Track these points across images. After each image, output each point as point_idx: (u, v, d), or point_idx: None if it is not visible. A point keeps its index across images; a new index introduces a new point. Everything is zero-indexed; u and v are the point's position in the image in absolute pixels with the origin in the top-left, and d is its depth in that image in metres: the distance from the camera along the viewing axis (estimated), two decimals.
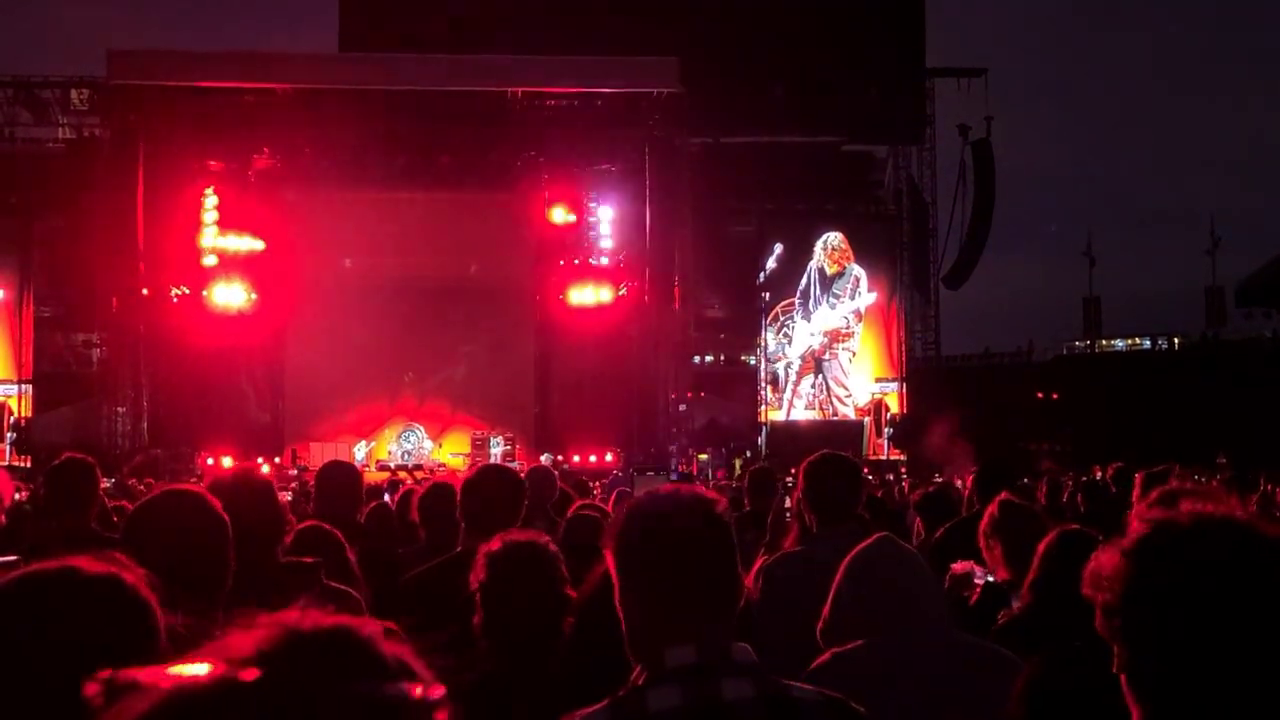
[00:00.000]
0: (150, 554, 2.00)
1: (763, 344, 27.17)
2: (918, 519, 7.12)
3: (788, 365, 27.16)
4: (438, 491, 5.09)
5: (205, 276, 25.74)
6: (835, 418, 26.96)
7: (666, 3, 27.76)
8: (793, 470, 7.21)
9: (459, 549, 4.21)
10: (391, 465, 24.15)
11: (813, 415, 27.05)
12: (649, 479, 12.18)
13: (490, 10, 27.52)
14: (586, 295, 26.97)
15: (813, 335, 27.06)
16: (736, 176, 27.74)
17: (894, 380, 27.48)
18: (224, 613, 2.43)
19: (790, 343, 27.13)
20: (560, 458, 24.31)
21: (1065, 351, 45.74)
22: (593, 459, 24.77)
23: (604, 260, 27.08)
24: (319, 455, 21.52)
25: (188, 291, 25.49)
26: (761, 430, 26.83)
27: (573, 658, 2.96)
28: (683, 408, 25.39)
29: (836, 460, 4.48)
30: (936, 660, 2.89)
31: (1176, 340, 44.35)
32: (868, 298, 27.19)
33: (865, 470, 7.31)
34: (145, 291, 24.28)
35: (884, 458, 26.18)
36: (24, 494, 9.29)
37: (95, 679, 0.82)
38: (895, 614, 2.92)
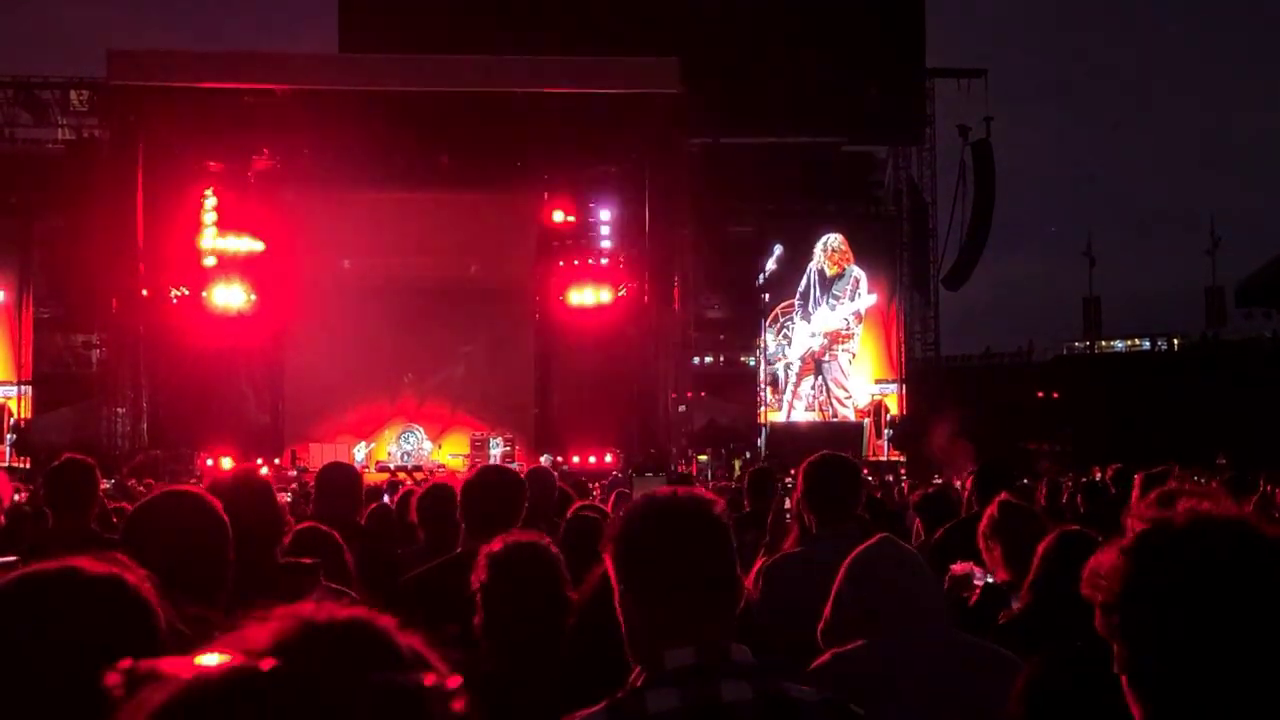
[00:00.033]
0: (150, 554, 2.00)
1: (762, 345, 27.16)
2: (917, 519, 7.12)
3: (787, 366, 27.15)
4: (436, 492, 5.09)
5: (205, 277, 25.74)
6: (835, 419, 26.95)
7: (666, 3, 27.75)
8: (792, 471, 7.20)
9: (460, 550, 4.21)
10: (391, 466, 24.15)
11: (813, 417, 27.04)
12: (647, 480, 12.18)
13: (490, 11, 27.51)
14: (586, 296, 26.98)
15: (813, 336, 27.06)
16: (736, 177, 27.71)
17: (894, 381, 27.47)
18: (224, 613, 2.43)
19: (790, 344, 27.12)
20: (560, 458, 24.30)
21: (1065, 352, 45.73)
22: (592, 460, 24.78)
23: (604, 261, 27.09)
24: (319, 456, 21.53)
25: (187, 292, 25.49)
26: (761, 431, 26.82)
27: (573, 659, 2.96)
28: (682, 408, 25.38)
29: (836, 461, 4.48)
30: (936, 660, 2.89)
31: (1176, 341, 44.35)
32: (868, 299, 27.18)
33: (865, 471, 7.32)
34: (145, 292, 24.27)
35: (884, 459, 26.17)
36: (23, 495, 9.30)
37: (116, 669, 0.83)
38: (896, 614, 2.92)
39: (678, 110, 23.78)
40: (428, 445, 25.88)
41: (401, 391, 26.99)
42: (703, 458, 24.92)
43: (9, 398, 24.24)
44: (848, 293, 27.13)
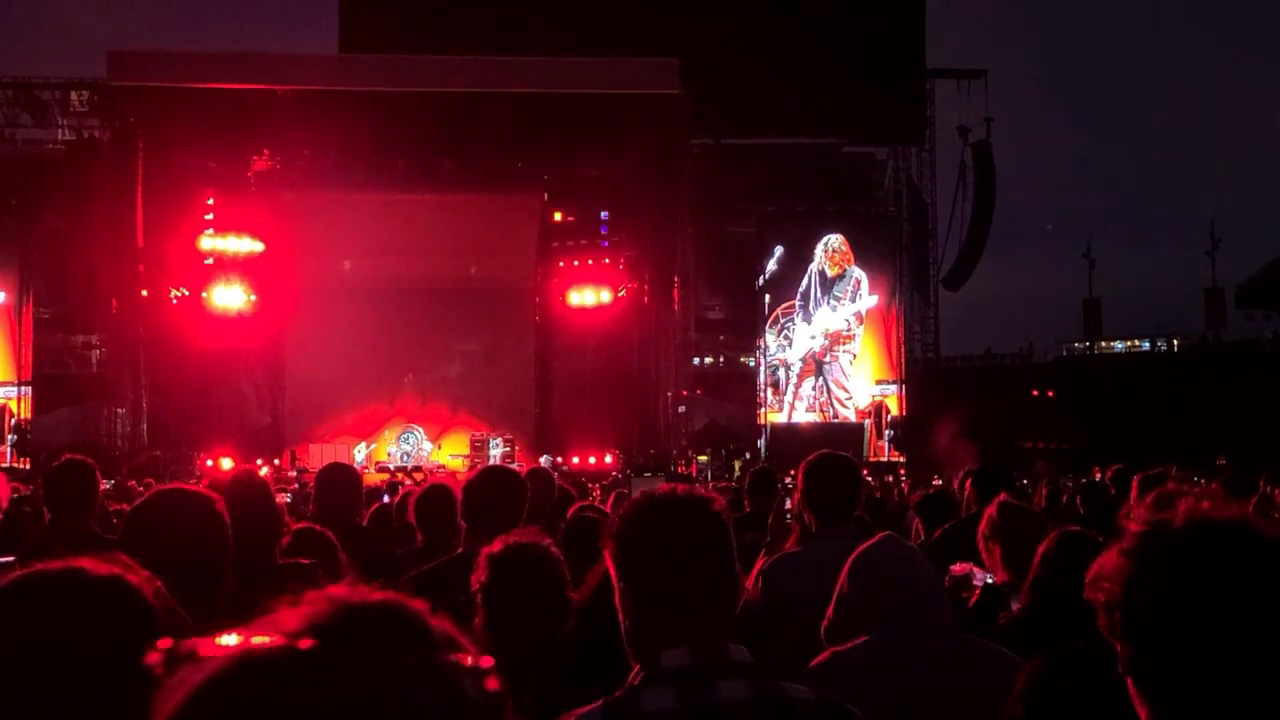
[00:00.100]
0: (149, 553, 2.00)
1: (763, 346, 27.16)
2: (917, 519, 7.12)
3: (788, 367, 27.14)
4: (434, 493, 5.08)
5: (205, 278, 25.76)
6: (836, 420, 26.95)
7: (667, 4, 27.76)
8: (792, 472, 7.21)
9: (460, 550, 4.21)
10: (391, 467, 24.15)
11: (813, 417, 27.04)
12: (646, 481, 12.17)
13: (490, 12, 27.53)
14: (586, 297, 26.99)
15: (813, 337, 27.05)
16: (737, 178, 27.76)
17: (894, 382, 27.47)
18: (223, 613, 2.43)
19: (791, 345, 27.11)
20: (560, 459, 24.31)
21: (1065, 353, 45.73)
22: (592, 460, 24.78)
23: (604, 261, 27.10)
24: (318, 457, 21.54)
25: (187, 293, 25.50)
26: (762, 432, 26.82)
27: (573, 659, 2.96)
28: (682, 409, 25.37)
29: (836, 460, 4.47)
30: (936, 659, 2.89)
31: (1176, 342, 44.34)
32: (869, 300, 27.18)
33: (865, 472, 7.31)
34: (145, 293, 24.27)
35: (884, 459, 26.17)
36: (27, 490, 9.30)
37: (156, 649, 0.84)
38: (899, 610, 2.92)
39: (678, 111, 23.78)
40: (427, 446, 25.89)
41: (401, 392, 27.00)
42: (703, 458, 24.91)
43: (9, 398, 24.23)
44: (849, 293, 27.12)
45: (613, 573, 2.12)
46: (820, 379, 27.08)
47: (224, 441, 23.57)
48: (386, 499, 8.29)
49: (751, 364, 28.74)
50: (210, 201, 25.56)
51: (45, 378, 25.52)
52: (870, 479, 17.53)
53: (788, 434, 26.18)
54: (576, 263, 27.16)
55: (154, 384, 24.57)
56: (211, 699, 0.79)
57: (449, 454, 25.54)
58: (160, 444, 23.92)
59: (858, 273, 27.21)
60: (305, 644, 0.80)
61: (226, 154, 25.19)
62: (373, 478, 17.91)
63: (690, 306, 26.16)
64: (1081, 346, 46.88)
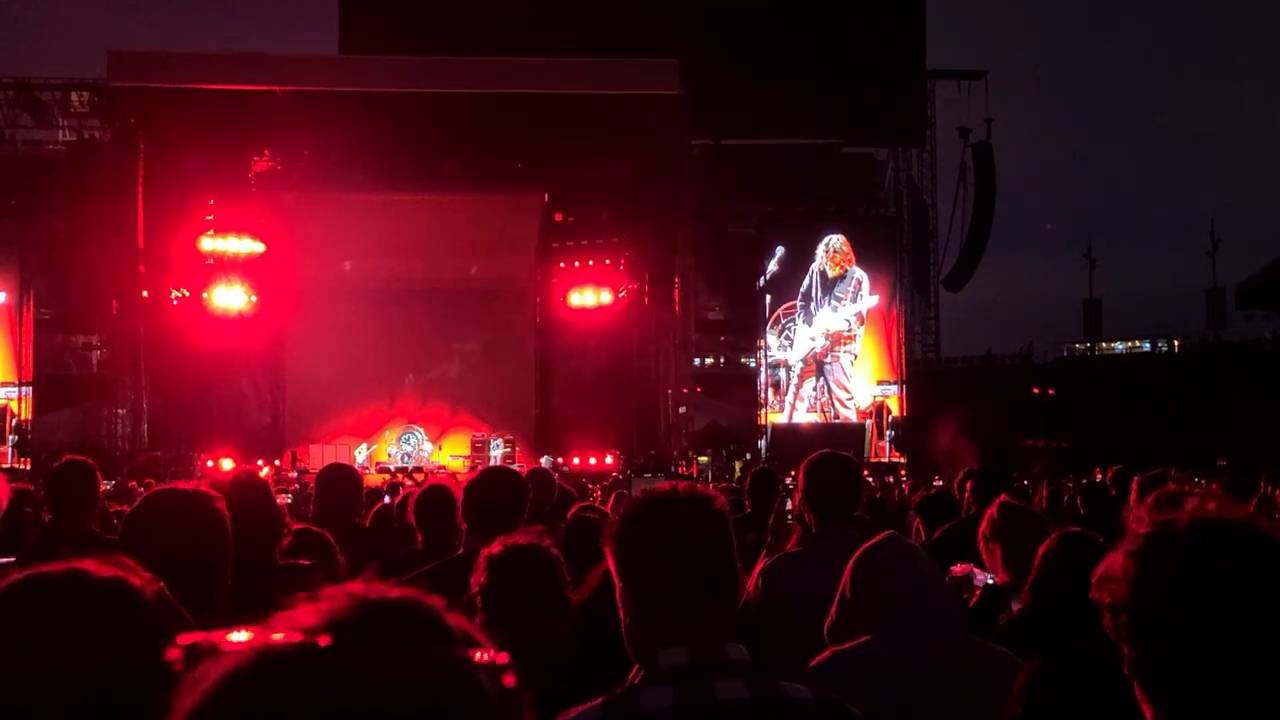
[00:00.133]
0: (149, 553, 2.00)
1: (764, 346, 27.15)
2: (917, 520, 7.13)
3: (789, 368, 27.13)
4: (433, 494, 5.07)
5: (205, 279, 25.75)
6: (836, 420, 26.94)
7: (667, 5, 27.76)
8: (793, 472, 7.21)
9: (461, 551, 4.20)
10: (391, 468, 24.15)
11: (814, 418, 27.03)
12: (646, 482, 12.17)
13: (490, 12, 27.52)
14: (587, 297, 26.99)
15: (813, 338, 27.04)
16: (737, 178, 27.74)
17: (895, 383, 27.46)
18: (223, 613, 2.42)
19: (791, 345, 27.10)
20: (560, 460, 24.30)
21: (1066, 353, 45.75)
22: (593, 461, 24.78)
23: (605, 262, 27.09)
24: (319, 457, 21.54)
25: (188, 294, 25.50)
26: (762, 433, 26.81)
27: (574, 659, 2.96)
28: (683, 410, 25.37)
29: (837, 459, 4.47)
30: (936, 659, 2.89)
31: (1177, 342, 44.35)
32: (870, 300, 27.16)
33: (865, 472, 7.31)
34: (145, 294, 24.27)
35: (885, 460, 26.17)
36: (28, 486, 9.30)
37: (176, 644, 0.84)
38: (902, 607, 2.92)
39: (678, 111, 23.77)
40: (428, 446, 25.88)
41: (402, 393, 26.98)
42: (703, 459, 24.91)
43: (9, 399, 24.23)
44: (850, 294, 27.10)
45: (613, 571, 2.11)
46: (821, 379, 27.06)
47: (224, 442, 23.57)
48: (387, 500, 8.29)
49: (752, 364, 28.74)
50: (211, 202, 25.54)
51: (46, 378, 25.51)
52: (871, 479, 17.54)
53: (788, 434, 26.17)
54: (577, 263, 27.16)
55: (154, 384, 24.57)
56: (230, 695, 0.79)
57: (449, 454, 25.54)
58: (161, 444, 23.93)
59: (859, 273, 27.20)
60: (323, 640, 0.81)
61: (227, 155, 25.17)
62: (373, 478, 17.91)
63: (690, 307, 26.16)
64: (1082, 347, 46.91)
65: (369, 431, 26.30)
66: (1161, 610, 1.51)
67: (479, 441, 24.81)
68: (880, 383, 27.26)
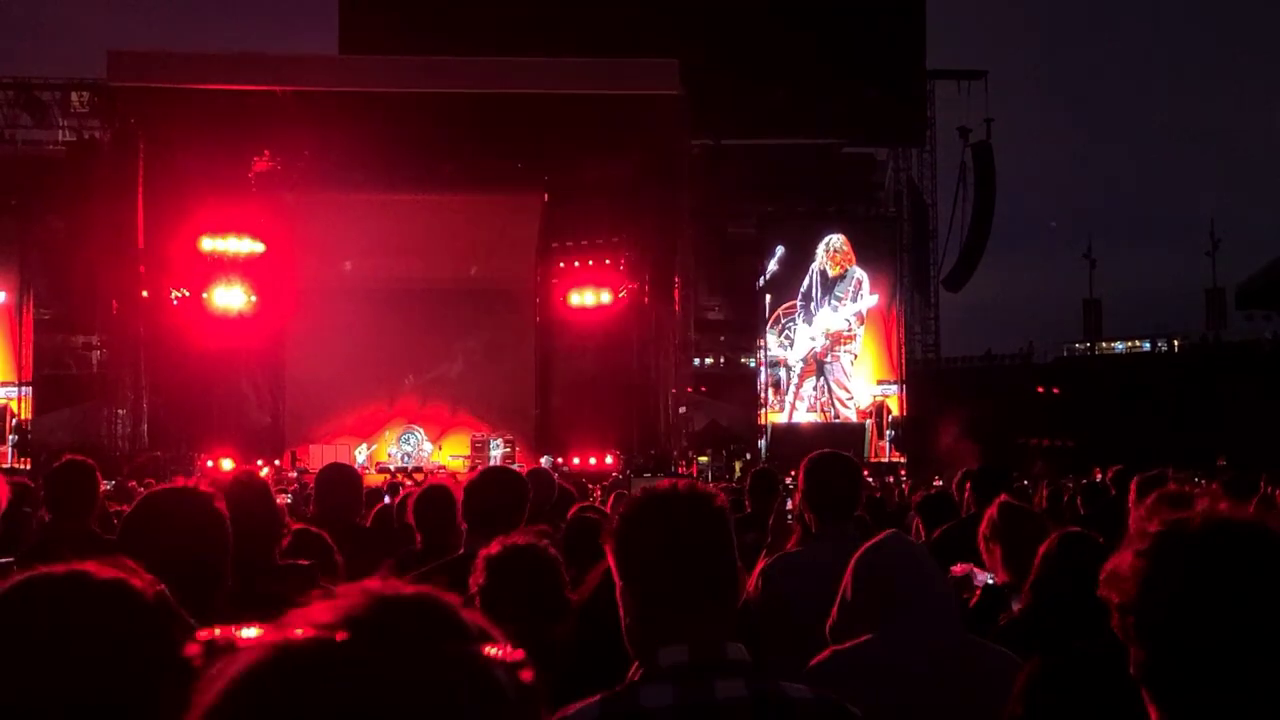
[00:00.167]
0: (148, 552, 2.00)
1: (764, 346, 27.15)
2: (917, 520, 7.13)
3: (789, 367, 27.13)
4: (432, 494, 5.07)
5: (205, 279, 25.76)
6: (837, 420, 26.94)
7: (667, 5, 27.76)
8: (793, 472, 7.20)
9: (461, 551, 4.20)
10: (391, 468, 24.14)
11: (814, 418, 27.03)
12: (646, 482, 12.18)
13: (490, 12, 27.52)
14: (587, 297, 26.99)
15: (813, 338, 27.04)
16: (737, 178, 27.74)
17: (895, 383, 27.46)
18: (223, 613, 2.42)
19: (792, 345, 27.10)
20: (560, 460, 24.30)
21: (1066, 353, 45.76)
22: (593, 461, 24.78)
23: (604, 262, 27.09)
24: (319, 458, 21.52)
25: (188, 294, 25.50)
26: (763, 433, 26.81)
27: (573, 659, 2.96)
28: (683, 410, 25.37)
29: (837, 460, 4.47)
30: (936, 659, 2.88)
31: (1177, 342, 44.36)
32: (870, 300, 27.16)
33: (865, 472, 7.31)
34: (145, 294, 24.27)
35: (885, 460, 26.16)
36: (28, 483, 9.29)
37: (196, 640, 0.84)
38: (904, 606, 2.92)
39: (678, 111, 23.77)
40: (428, 446, 25.88)
41: (402, 393, 26.98)
42: (703, 459, 24.91)
43: (9, 399, 24.22)
44: (850, 294, 27.10)
45: (613, 570, 2.11)
46: (821, 379, 27.06)
47: (224, 442, 23.58)
48: (387, 500, 8.29)
49: (752, 364, 28.73)
50: (211, 202, 25.54)
51: (45, 378, 25.51)
52: (871, 479, 17.53)
53: (788, 434, 26.17)
54: (577, 263, 27.16)
55: (154, 384, 24.57)
56: (250, 690, 0.79)
57: (449, 455, 25.54)
58: (160, 444, 23.92)
59: (859, 273, 27.19)
60: (340, 636, 0.81)
61: (227, 155, 25.17)
62: (373, 479, 17.90)
63: (690, 307, 26.16)
64: (1082, 347, 46.92)
65: (369, 431, 26.30)
66: (1171, 610, 1.51)
67: (479, 441, 24.81)
68: (880, 382, 27.25)
